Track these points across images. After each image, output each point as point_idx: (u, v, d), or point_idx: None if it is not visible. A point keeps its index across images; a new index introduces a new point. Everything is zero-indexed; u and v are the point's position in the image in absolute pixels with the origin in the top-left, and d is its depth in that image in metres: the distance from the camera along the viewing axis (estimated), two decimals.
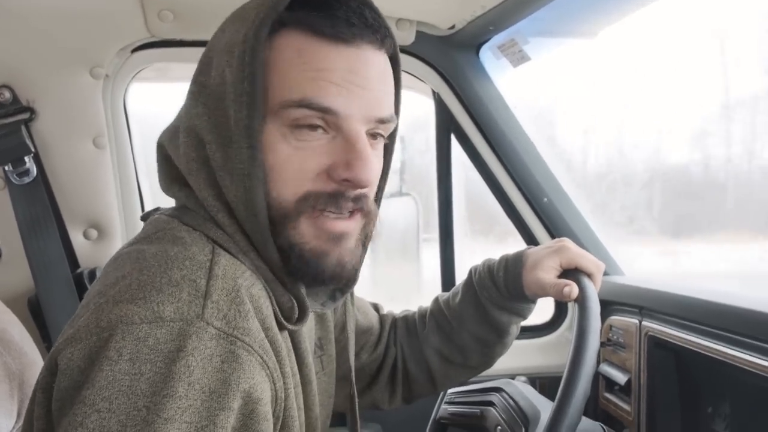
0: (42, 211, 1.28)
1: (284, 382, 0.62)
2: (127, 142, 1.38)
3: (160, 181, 0.72)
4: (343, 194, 0.65)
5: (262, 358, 0.58)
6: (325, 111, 0.62)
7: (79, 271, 1.31)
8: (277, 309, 0.66)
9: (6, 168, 1.26)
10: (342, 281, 0.68)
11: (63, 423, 0.52)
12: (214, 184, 0.65)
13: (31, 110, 1.26)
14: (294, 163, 0.64)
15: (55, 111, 1.27)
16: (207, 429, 0.52)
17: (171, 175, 0.70)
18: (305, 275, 0.66)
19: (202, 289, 0.57)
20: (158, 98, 1.50)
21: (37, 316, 1.27)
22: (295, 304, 0.67)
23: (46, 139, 1.28)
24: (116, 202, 1.35)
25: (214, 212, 0.65)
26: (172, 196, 0.71)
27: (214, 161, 0.64)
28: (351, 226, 0.67)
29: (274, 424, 0.61)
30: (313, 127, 0.64)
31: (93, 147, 1.30)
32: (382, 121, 0.67)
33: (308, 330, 0.80)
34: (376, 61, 0.66)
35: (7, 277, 1.28)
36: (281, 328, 0.66)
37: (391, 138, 0.73)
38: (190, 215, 0.67)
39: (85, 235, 1.33)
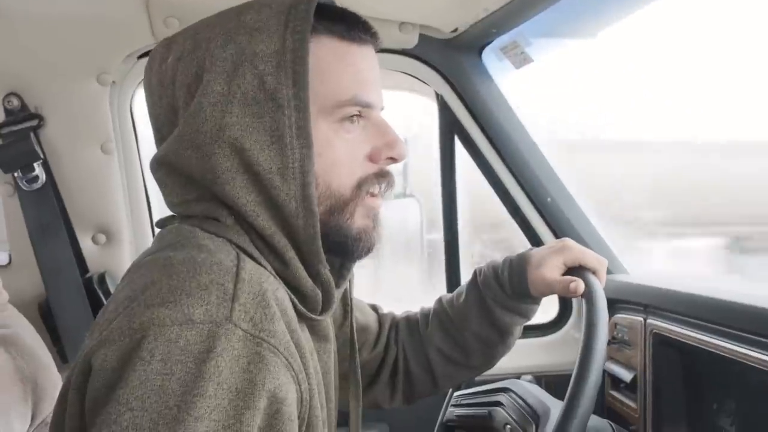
0: (51, 217, 1.29)
1: (309, 383, 0.64)
2: (134, 147, 1.40)
3: (170, 198, 0.72)
4: (388, 171, 0.75)
5: (287, 359, 0.60)
6: (366, 105, 0.72)
7: (88, 275, 1.33)
8: (301, 306, 0.69)
9: (16, 174, 1.27)
10: (371, 251, 0.77)
11: (97, 421, 0.54)
12: (259, 188, 0.67)
13: (39, 117, 1.28)
14: (347, 154, 0.72)
15: (63, 118, 1.29)
16: (233, 427, 0.54)
17: (183, 190, 0.71)
18: (350, 251, 0.74)
19: (230, 293, 0.59)
20: None
21: (48, 321, 1.29)
22: (320, 296, 0.71)
23: (55, 146, 1.29)
24: (124, 207, 1.36)
25: (253, 217, 0.67)
26: (186, 213, 0.71)
27: (260, 165, 0.66)
28: (380, 201, 0.77)
29: (299, 426, 0.63)
30: (354, 120, 0.72)
31: (101, 153, 1.31)
32: (382, 108, 0.77)
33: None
34: (376, 57, 0.77)
35: (18, 282, 1.29)
36: (305, 322, 0.70)
37: None
38: (210, 223, 0.69)
39: (94, 240, 1.35)
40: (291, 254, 0.68)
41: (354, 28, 0.72)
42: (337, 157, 0.71)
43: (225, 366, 0.55)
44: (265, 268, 0.67)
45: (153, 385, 0.53)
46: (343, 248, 0.74)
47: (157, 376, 0.53)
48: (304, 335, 0.69)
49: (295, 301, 0.69)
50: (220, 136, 0.66)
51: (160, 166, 0.71)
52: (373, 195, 0.74)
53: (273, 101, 0.66)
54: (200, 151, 0.67)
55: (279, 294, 0.65)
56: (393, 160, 0.75)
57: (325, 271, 0.71)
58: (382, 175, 0.74)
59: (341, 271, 0.81)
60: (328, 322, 0.77)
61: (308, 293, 0.70)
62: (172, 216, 0.74)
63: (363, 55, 0.73)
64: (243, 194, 0.67)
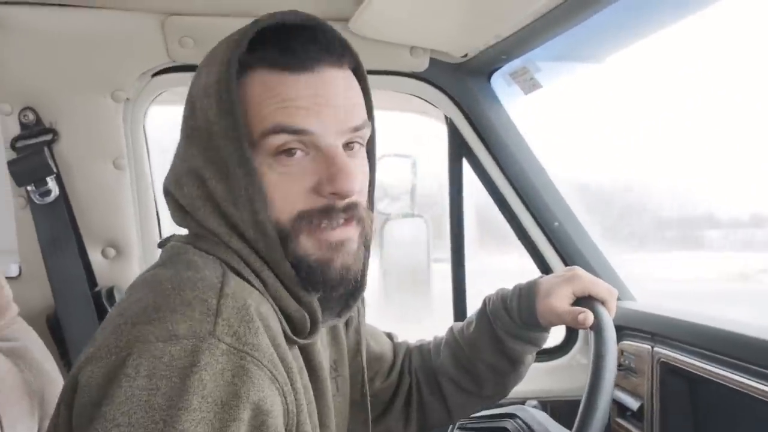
0: (62, 230, 1.30)
1: (296, 398, 0.64)
2: (145, 164, 1.41)
3: (172, 217, 0.76)
4: (333, 207, 0.70)
5: (271, 372, 0.61)
6: (299, 133, 0.68)
7: (97, 289, 1.33)
8: (287, 326, 0.69)
9: (29, 187, 1.28)
10: (350, 284, 0.73)
11: None
12: (222, 214, 0.70)
13: (53, 132, 1.29)
14: (283, 189, 0.69)
15: (76, 133, 1.30)
16: None
17: (181, 211, 0.74)
18: (316, 283, 0.71)
19: (213, 308, 0.61)
20: (176, 120, 1.53)
21: (56, 333, 1.29)
22: (307, 317, 0.71)
23: (68, 160, 1.31)
24: (134, 222, 1.37)
25: (227, 239, 0.69)
26: (186, 228, 0.75)
27: (217, 194, 0.69)
28: (349, 232, 0.72)
29: None
30: (291, 152, 0.68)
31: (113, 168, 1.33)
32: (356, 129, 0.71)
33: (323, 350, 0.82)
34: (338, 79, 0.71)
35: (28, 294, 1.30)
36: (292, 343, 0.69)
37: (371, 141, 0.79)
38: (203, 241, 0.71)
39: (104, 254, 1.36)
40: (267, 274, 0.69)
41: (291, 52, 0.68)
42: (271, 190, 0.68)
43: (209, 380, 0.56)
44: (252, 285, 0.68)
45: (139, 401, 0.54)
46: (314, 280, 0.71)
47: (142, 391, 0.54)
48: (293, 353, 0.69)
49: (282, 320, 0.69)
50: (188, 168, 0.70)
51: (165, 192, 0.76)
52: (320, 227, 0.70)
53: (214, 134, 0.68)
54: (179, 182, 0.72)
55: (262, 309, 0.66)
56: (335, 195, 0.69)
57: (305, 294, 0.71)
58: (325, 211, 0.69)
59: (347, 302, 0.80)
60: (318, 347, 0.75)
61: (293, 314, 0.70)
62: (172, 235, 0.77)
63: (302, 82, 0.68)
64: (212, 219, 0.70)
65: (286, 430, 0.63)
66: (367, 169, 0.77)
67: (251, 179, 0.67)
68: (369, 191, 0.79)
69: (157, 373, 0.55)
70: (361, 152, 0.75)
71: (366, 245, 0.76)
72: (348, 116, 0.71)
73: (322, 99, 0.69)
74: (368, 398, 0.89)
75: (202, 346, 0.57)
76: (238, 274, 0.68)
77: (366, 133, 0.74)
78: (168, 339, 0.57)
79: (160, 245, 0.77)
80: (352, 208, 0.71)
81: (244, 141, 0.67)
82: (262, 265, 0.69)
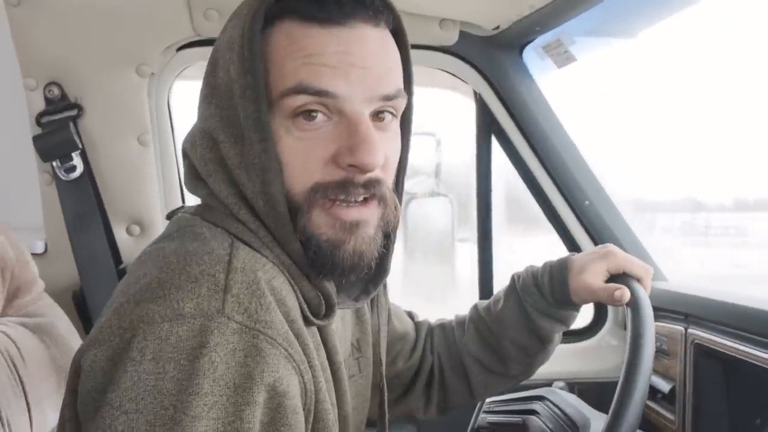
0: (88, 207, 1.30)
1: (313, 375, 0.61)
2: (170, 140, 1.40)
3: (185, 182, 0.72)
4: (352, 181, 0.63)
5: (287, 350, 0.57)
6: (322, 94, 0.61)
7: (122, 266, 1.33)
8: (304, 304, 0.65)
9: (54, 163, 1.28)
10: (361, 271, 0.67)
11: (91, 427, 0.53)
12: (233, 182, 0.65)
13: (78, 107, 1.28)
14: (299, 155, 0.63)
15: (101, 108, 1.29)
16: (234, 424, 0.52)
17: (194, 175, 0.70)
18: (324, 266, 0.65)
19: (221, 283, 0.57)
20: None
21: (82, 310, 1.30)
22: (322, 299, 0.67)
23: (93, 136, 1.30)
24: (159, 199, 1.36)
25: (236, 210, 0.65)
26: (197, 195, 0.71)
27: (230, 159, 0.64)
28: (366, 213, 0.66)
29: (306, 418, 0.61)
30: (312, 115, 0.62)
31: (137, 144, 1.31)
32: (387, 98, 0.65)
33: (344, 330, 0.79)
34: (373, 37, 0.64)
35: (54, 271, 1.30)
36: (309, 323, 0.65)
37: (406, 116, 0.72)
38: (212, 212, 0.67)
39: (128, 231, 1.35)
40: (278, 250, 0.65)
41: (321, 2, 0.62)
42: (287, 156, 0.63)
43: (220, 361, 0.53)
44: (265, 257, 0.64)
45: (146, 386, 0.52)
46: (323, 263, 0.65)
47: (149, 376, 0.52)
48: (310, 330, 0.65)
49: (300, 297, 0.65)
50: (204, 128, 0.67)
51: (183, 155, 0.72)
52: (336, 203, 0.64)
53: (234, 93, 0.63)
54: (194, 142, 0.68)
55: (275, 283, 0.62)
56: (354, 167, 0.63)
57: (315, 277, 0.66)
58: (343, 185, 0.63)
59: (367, 287, 0.76)
60: (333, 330, 0.71)
61: (306, 294, 0.66)
62: (180, 207, 0.74)
63: (331, 37, 0.62)
64: (224, 188, 0.65)
65: (304, 409, 0.60)
66: (397, 145, 0.70)
67: (266, 146, 0.61)
68: (398, 172, 0.72)
69: (164, 356, 0.52)
70: (392, 125, 0.68)
71: (387, 231, 0.69)
72: (380, 81, 0.64)
73: (351, 58, 0.62)
74: (384, 384, 0.85)
75: (211, 325, 0.54)
76: (249, 246, 0.64)
77: (400, 104, 0.67)
78: (174, 318, 0.54)
79: (168, 217, 0.74)
80: (373, 184, 0.64)
81: (262, 102, 0.61)
82: (272, 241, 0.65)
